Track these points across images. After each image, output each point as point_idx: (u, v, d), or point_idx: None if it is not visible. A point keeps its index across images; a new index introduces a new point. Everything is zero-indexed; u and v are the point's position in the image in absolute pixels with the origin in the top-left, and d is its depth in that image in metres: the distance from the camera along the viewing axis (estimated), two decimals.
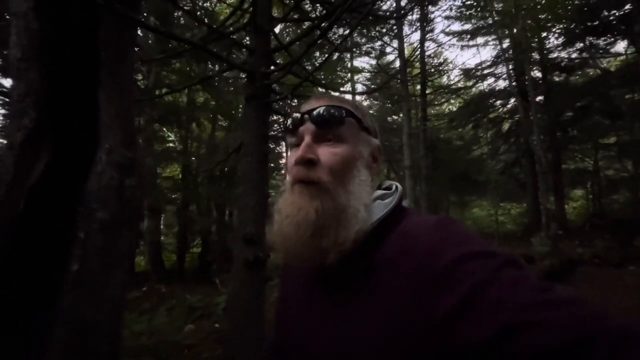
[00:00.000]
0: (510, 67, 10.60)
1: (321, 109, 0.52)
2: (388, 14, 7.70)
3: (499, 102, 11.94)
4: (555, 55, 10.21)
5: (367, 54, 11.49)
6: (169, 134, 11.13)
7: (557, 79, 10.95)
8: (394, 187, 0.55)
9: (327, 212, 0.48)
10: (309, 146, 0.51)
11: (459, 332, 0.37)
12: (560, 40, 9.60)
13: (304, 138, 0.52)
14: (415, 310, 0.41)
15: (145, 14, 6.06)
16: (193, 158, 9.61)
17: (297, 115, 0.54)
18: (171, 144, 10.92)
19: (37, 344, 1.38)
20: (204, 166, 7.77)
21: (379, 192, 0.55)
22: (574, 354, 0.32)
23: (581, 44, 9.13)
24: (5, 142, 1.46)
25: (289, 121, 0.55)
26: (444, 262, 0.41)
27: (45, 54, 1.54)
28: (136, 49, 1.91)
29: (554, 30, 9.30)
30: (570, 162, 11.77)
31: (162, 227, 11.29)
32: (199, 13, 5.79)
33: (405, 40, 9.92)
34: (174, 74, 7.30)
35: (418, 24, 10.17)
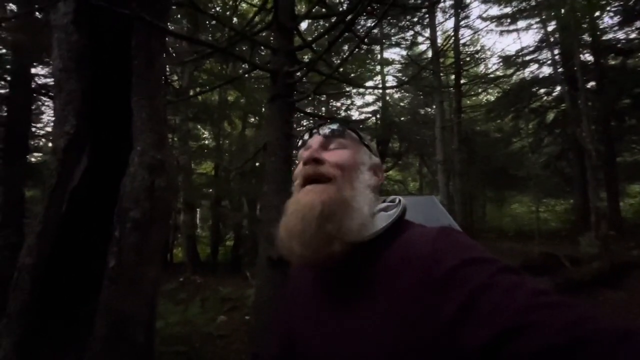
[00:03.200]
0: (556, 52, 9.74)
1: (327, 125, 0.61)
2: (419, 1, 7.36)
3: (542, 90, 11.05)
4: (610, 36, 9.24)
5: (398, 44, 11.13)
6: (204, 131, 11.61)
7: (612, 62, 9.91)
8: (397, 200, 0.58)
9: (333, 201, 0.50)
10: (315, 150, 0.57)
11: (460, 336, 0.38)
12: (617, 19, 8.66)
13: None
14: (418, 315, 0.42)
15: (178, 17, 6.32)
16: (226, 154, 9.95)
17: (308, 132, 0.64)
18: (205, 142, 11.40)
19: (80, 333, 1.51)
20: (235, 163, 8.02)
21: (383, 204, 0.58)
22: (570, 353, 0.33)
23: None
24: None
25: (302, 137, 0.64)
26: (443, 268, 0.42)
27: (83, 64, 1.65)
28: (165, 54, 1.99)
29: (608, 8, 8.39)
30: (626, 154, 10.67)
31: (198, 221, 11.90)
32: (228, 13, 5.92)
33: (438, 28, 9.49)
34: (206, 74, 7.57)
35: (452, 11, 9.65)
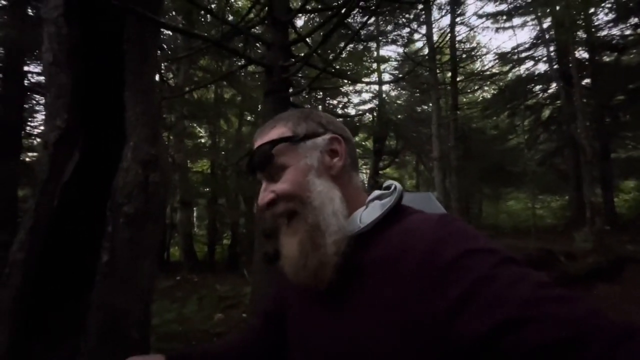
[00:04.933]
0: (552, 48, 9.80)
1: (253, 157, 0.56)
2: None
3: (538, 87, 11.12)
4: (604, 33, 9.29)
5: (394, 42, 11.12)
6: (199, 129, 11.55)
7: (606, 59, 9.98)
8: (393, 187, 0.55)
9: (304, 239, 0.50)
10: (264, 190, 0.55)
11: (460, 327, 0.38)
12: (611, 15, 8.71)
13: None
14: (418, 306, 0.41)
15: (173, 13, 6.26)
16: (222, 153, 9.90)
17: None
18: (201, 139, 11.34)
19: (74, 329, 1.49)
20: (231, 161, 7.99)
21: (377, 192, 0.55)
22: (571, 349, 0.32)
23: (636, 19, 8.21)
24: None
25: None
26: (445, 258, 0.41)
27: (74, 57, 1.63)
28: (160, 50, 1.96)
29: (603, 5, 8.43)
30: (621, 150, 10.77)
31: (194, 219, 11.84)
32: (223, 6, 5.87)
33: (434, 25, 9.49)
34: (201, 71, 7.52)
35: (448, 8, 9.66)
